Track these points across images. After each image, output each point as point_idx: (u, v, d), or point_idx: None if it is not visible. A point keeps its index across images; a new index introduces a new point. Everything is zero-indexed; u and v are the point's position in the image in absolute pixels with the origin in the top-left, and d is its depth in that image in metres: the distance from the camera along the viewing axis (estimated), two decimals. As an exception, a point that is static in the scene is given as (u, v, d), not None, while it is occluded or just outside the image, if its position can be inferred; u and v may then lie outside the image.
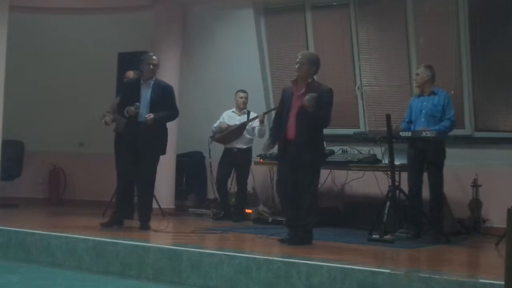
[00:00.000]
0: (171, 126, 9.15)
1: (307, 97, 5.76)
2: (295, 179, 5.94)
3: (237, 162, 8.34)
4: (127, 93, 6.91)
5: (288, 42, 9.04)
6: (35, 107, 10.29)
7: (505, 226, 3.64)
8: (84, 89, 10.04)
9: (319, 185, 8.29)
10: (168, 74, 9.13)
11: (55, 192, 10.48)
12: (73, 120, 10.21)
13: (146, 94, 6.79)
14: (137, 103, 6.70)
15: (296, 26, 8.95)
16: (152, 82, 6.84)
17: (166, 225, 6.94)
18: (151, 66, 6.81)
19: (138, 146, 6.72)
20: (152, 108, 6.73)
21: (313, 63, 6.03)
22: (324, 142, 6.18)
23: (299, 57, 6.05)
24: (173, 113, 7.01)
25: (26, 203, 9.72)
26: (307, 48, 8.83)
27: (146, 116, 6.68)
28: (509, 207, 3.36)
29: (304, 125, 5.84)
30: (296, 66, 6.01)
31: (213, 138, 8.60)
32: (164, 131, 6.97)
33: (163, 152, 6.97)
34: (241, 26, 9.14)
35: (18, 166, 9.98)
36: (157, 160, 6.92)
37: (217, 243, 6.34)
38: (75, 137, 10.33)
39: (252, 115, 8.39)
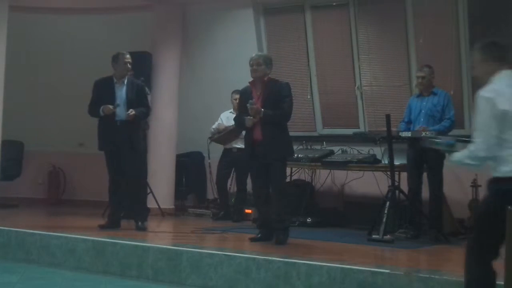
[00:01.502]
0: (171, 126, 9.22)
1: (248, 106, 5.96)
2: (266, 178, 6.05)
3: (236, 162, 8.34)
4: (100, 92, 6.87)
5: (288, 42, 9.04)
6: (35, 107, 10.28)
7: (504, 226, 3.64)
8: (84, 89, 9.99)
9: (319, 185, 8.37)
10: (168, 74, 9.17)
11: (55, 192, 10.48)
12: (73, 120, 10.19)
13: (121, 92, 6.79)
14: (118, 103, 6.71)
15: (296, 26, 8.95)
16: (125, 81, 6.84)
17: (157, 225, 6.93)
18: (128, 65, 6.82)
19: (119, 146, 6.71)
20: (129, 106, 6.74)
21: (269, 63, 6.22)
22: (290, 137, 6.26)
23: (254, 58, 6.20)
24: (148, 111, 7.05)
25: (26, 203, 9.71)
26: (307, 48, 8.84)
27: (128, 112, 6.67)
28: (509, 207, 3.36)
29: (268, 124, 5.98)
30: (253, 68, 6.14)
31: (212, 139, 8.62)
32: (142, 127, 7.04)
33: (145, 149, 7.01)
34: (241, 26, 9.14)
35: (17, 166, 9.98)
36: (142, 158, 6.94)
37: (217, 243, 6.34)
38: (74, 137, 10.32)
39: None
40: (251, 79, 6.26)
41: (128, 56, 6.87)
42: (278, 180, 6.05)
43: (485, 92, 3.55)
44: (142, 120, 7.07)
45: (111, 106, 6.66)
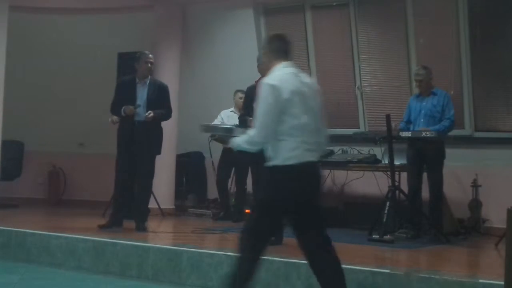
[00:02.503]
0: (171, 126, 9.20)
1: (254, 106, 5.79)
2: None
3: (237, 162, 8.33)
4: (123, 92, 6.87)
5: (288, 42, 9.04)
6: (35, 107, 10.28)
7: (505, 226, 3.65)
8: (84, 89, 10.03)
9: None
10: (168, 74, 9.14)
11: (55, 192, 10.47)
12: (73, 120, 10.21)
13: (142, 93, 6.77)
14: (138, 103, 6.70)
15: (296, 26, 8.94)
16: (147, 81, 6.83)
17: (158, 225, 6.93)
18: (149, 65, 6.80)
19: (135, 146, 6.70)
20: (149, 107, 6.72)
21: None
22: None
23: (261, 55, 6.02)
24: (169, 112, 7.00)
25: (26, 203, 9.71)
26: (307, 48, 8.84)
27: (147, 114, 6.66)
28: (509, 207, 3.37)
29: None
30: (260, 65, 5.94)
31: (214, 137, 8.61)
32: (160, 131, 6.98)
33: (159, 152, 6.97)
34: (241, 26, 9.14)
35: (18, 166, 9.98)
36: (154, 160, 6.92)
37: (217, 243, 6.34)
38: (75, 137, 10.32)
39: (251, 114, 8.40)
40: (251, 79, 6.21)
41: (150, 56, 6.83)
42: None
43: (270, 80, 3.75)
44: (162, 121, 7.01)
45: (132, 107, 6.65)
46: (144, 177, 6.80)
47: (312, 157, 3.74)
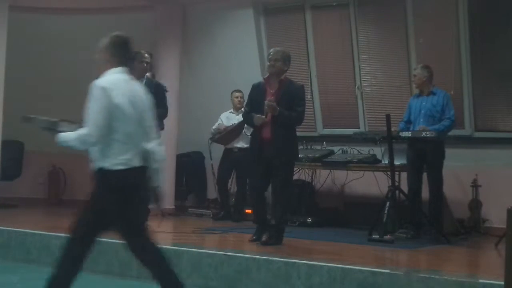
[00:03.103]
0: (171, 126, 9.20)
1: (266, 102, 5.80)
2: (268, 179, 5.96)
3: (237, 162, 8.34)
4: None
5: (288, 42, 9.02)
6: (35, 107, 10.24)
7: (505, 226, 3.65)
8: (84, 89, 9.97)
9: (320, 185, 8.37)
10: (168, 74, 9.14)
11: (55, 192, 10.47)
12: (73, 120, 10.19)
13: None
14: None
15: (296, 26, 8.94)
16: (144, 81, 6.84)
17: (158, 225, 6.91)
18: (145, 64, 6.81)
19: None
20: None
21: (287, 60, 6.02)
22: (297, 140, 6.23)
23: (272, 53, 6.00)
24: (164, 111, 6.99)
25: (26, 203, 9.71)
26: (307, 48, 8.84)
27: None
28: (509, 207, 3.37)
29: (280, 124, 5.84)
30: (270, 63, 5.96)
31: (213, 139, 8.63)
32: (159, 128, 6.97)
33: None
34: (241, 26, 9.13)
35: (18, 166, 9.97)
36: None
37: (217, 243, 6.34)
38: (75, 137, 10.31)
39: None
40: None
41: (146, 55, 6.84)
42: (283, 185, 5.90)
43: (102, 82, 3.80)
44: (158, 120, 7.00)
45: None
46: None
47: (140, 163, 3.81)
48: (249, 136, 8.36)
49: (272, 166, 5.87)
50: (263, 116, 5.84)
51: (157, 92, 6.87)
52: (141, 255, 3.96)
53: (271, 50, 6.09)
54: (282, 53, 6.03)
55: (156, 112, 6.63)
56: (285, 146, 5.86)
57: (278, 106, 5.79)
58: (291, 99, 5.89)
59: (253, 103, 6.04)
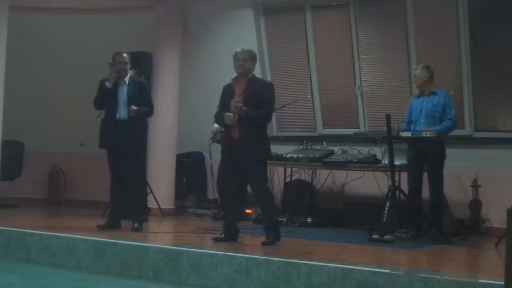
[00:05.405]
0: (171, 126, 9.22)
1: (231, 103, 5.80)
2: (241, 178, 5.97)
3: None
4: (102, 90, 6.82)
5: (288, 42, 9.05)
6: (35, 107, 10.28)
7: (505, 226, 3.65)
8: (84, 89, 10.00)
9: (320, 185, 8.37)
10: (168, 74, 9.17)
11: (55, 192, 10.48)
12: (73, 120, 10.20)
13: (122, 92, 6.77)
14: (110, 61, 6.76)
15: (296, 26, 8.95)
16: (127, 80, 6.84)
17: (158, 225, 6.92)
18: (123, 65, 6.81)
19: (119, 145, 6.69)
20: (131, 105, 6.71)
21: (255, 59, 6.03)
22: (268, 137, 6.18)
23: (240, 53, 5.97)
24: (151, 109, 6.98)
25: (26, 203, 9.71)
26: (307, 48, 8.84)
27: (130, 108, 6.64)
28: (509, 207, 3.36)
29: (247, 124, 5.83)
30: (238, 63, 5.94)
31: (214, 139, 8.60)
32: (144, 127, 7.00)
33: (144, 150, 6.98)
34: (241, 26, 9.14)
35: (17, 166, 9.98)
36: (142, 159, 6.92)
37: (217, 243, 6.33)
38: (75, 137, 10.32)
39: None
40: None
41: (123, 55, 6.83)
42: (259, 183, 5.94)
43: None
44: (144, 118, 7.03)
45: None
46: (131, 177, 6.76)
47: None
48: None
49: (244, 166, 5.89)
50: (232, 114, 5.83)
51: (141, 90, 6.88)
52: None
53: (238, 49, 6.04)
54: (250, 52, 6.03)
55: (140, 110, 6.73)
56: (255, 145, 5.86)
57: (245, 106, 5.78)
58: (259, 98, 5.87)
59: (224, 105, 6.03)
